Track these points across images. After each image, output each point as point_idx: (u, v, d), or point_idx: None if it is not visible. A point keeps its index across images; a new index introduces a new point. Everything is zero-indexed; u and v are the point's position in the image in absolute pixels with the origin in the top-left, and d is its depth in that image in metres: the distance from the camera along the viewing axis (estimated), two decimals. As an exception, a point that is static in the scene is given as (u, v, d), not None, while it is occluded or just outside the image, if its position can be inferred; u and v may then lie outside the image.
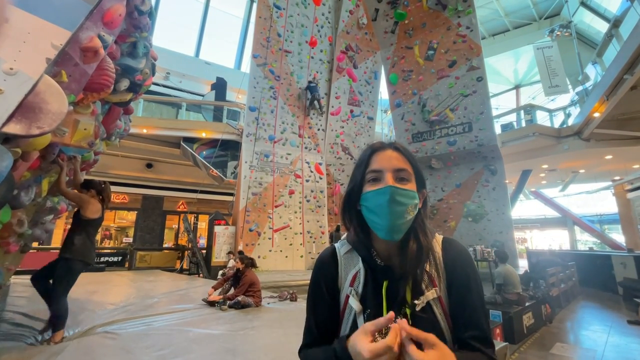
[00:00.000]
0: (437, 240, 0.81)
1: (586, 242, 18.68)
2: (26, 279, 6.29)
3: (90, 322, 3.42)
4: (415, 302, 0.71)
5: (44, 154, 2.50)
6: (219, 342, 2.93)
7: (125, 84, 2.87)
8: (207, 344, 2.85)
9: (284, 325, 3.54)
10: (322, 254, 0.87)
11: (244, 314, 4.03)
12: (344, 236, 0.89)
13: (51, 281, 2.86)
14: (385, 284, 0.75)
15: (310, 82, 10.65)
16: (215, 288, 4.75)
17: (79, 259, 2.91)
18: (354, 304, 0.76)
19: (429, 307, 0.72)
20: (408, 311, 0.71)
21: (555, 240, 20.10)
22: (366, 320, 0.74)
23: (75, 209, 3.10)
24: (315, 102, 10.70)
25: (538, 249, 16.94)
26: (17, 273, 6.57)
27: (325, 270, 0.83)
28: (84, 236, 2.97)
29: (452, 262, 0.77)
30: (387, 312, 0.73)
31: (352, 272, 0.81)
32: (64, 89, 1.78)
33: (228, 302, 4.30)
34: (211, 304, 4.45)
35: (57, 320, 2.81)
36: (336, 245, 0.87)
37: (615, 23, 9.38)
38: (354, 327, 0.75)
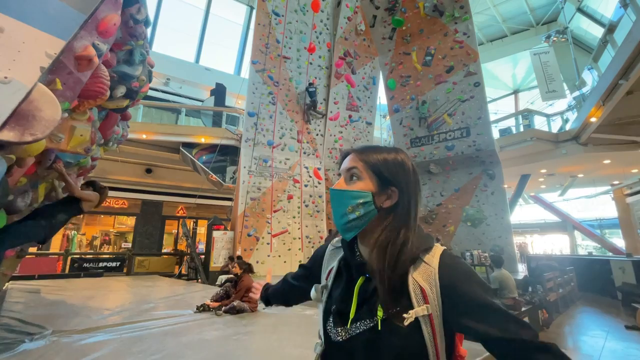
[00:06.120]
0: (437, 252, 0.73)
1: (587, 246, 18.60)
2: (23, 284, 6.31)
3: (85, 327, 3.43)
4: (405, 315, 0.67)
5: (39, 160, 2.54)
6: (211, 347, 2.93)
7: (121, 90, 2.92)
8: (200, 349, 2.86)
9: (278, 330, 3.54)
10: (320, 247, 0.99)
11: (238, 319, 4.03)
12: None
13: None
14: (360, 281, 0.75)
15: (308, 87, 10.70)
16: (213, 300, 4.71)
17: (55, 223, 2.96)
18: (312, 293, 0.85)
19: (416, 324, 0.67)
20: (380, 314, 0.69)
21: (555, 244, 20.02)
22: (333, 314, 0.77)
23: (69, 195, 3.13)
24: (313, 107, 10.75)
25: (537, 253, 16.88)
26: (14, 278, 6.59)
27: (315, 260, 0.96)
28: (65, 219, 3.04)
29: (451, 281, 0.69)
30: (356, 309, 0.73)
31: (329, 266, 0.87)
32: (58, 96, 1.82)
33: (223, 307, 4.30)
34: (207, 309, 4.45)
35: None
36: (333, 240, 0.94)
37: (610, 28, 9.47)
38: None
